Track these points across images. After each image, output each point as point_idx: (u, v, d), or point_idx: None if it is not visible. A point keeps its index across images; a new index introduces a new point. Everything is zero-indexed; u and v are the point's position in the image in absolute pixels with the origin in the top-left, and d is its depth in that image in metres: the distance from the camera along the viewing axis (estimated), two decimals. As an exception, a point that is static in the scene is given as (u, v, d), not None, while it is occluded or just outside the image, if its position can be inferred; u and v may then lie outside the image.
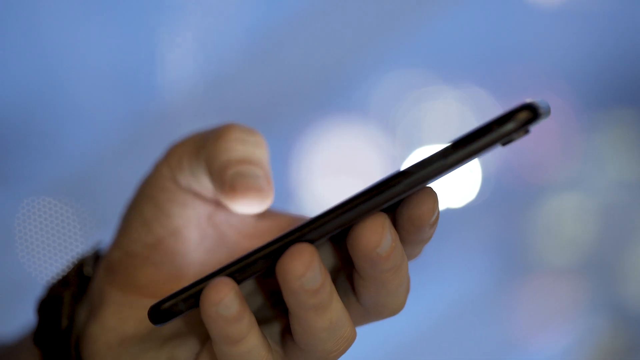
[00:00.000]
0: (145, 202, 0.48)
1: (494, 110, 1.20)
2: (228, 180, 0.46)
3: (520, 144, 1.20)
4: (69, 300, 0.49)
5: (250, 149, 0.47)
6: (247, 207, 0.46)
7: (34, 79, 1.12)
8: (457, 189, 1.20)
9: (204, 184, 0.48)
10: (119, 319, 0.48)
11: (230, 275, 0.43)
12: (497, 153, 1.21)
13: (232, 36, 1.15)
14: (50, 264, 1.12)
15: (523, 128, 0.39)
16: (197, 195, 0.48)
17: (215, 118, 1.16)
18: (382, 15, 1.18)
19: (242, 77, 1.17)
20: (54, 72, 1.12)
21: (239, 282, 0.43)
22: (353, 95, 1.20)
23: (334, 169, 1.20)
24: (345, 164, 1.20)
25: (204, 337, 0.47)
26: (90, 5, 1.11)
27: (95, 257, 0.52)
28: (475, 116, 1.20)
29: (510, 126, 0.39)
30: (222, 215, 0.49)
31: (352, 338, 0.44)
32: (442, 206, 1.20)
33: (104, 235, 1.08)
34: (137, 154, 1.14)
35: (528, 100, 0.40)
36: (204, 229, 0.48)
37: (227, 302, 0.41)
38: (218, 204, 0.49)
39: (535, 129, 1.18)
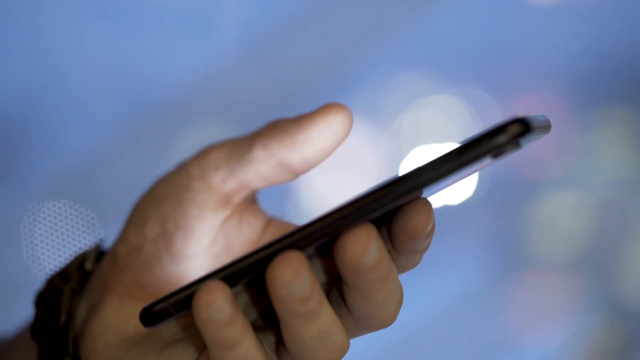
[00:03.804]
0: (165, 199, 0.48)
1: (492, 108, 1.21)
2: (310, 113, 0.47)
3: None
4: (69, 295, 0.49)
5: None
6: (338, 123, 0.46)
7: (34, 76, 1.12)
8: (454, 185, 1.20)
9: (243, 175, 0.47)
10: (120, 317, 0.47)
11: (221, 280, 0.43)
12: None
13: (231, 32, 1.16)
14: (51, 260, 1.13)
15: (514, 141, 0.39)
16: (220, 198, 0.48)
17: (215, 115, 1.17)
18: (381, 14, 1.19)
19: (241, 74, 1.17)
20: (54, 69, 1.12)
21: (229, 286, 0.43)
22: (351, 94, 1.20)
23: (332, 167, 1.20)
24: (343, 163, 1.20)
25: (204, 344, 0.46)
26: (89, 3, 1.12)
27: (97, 253, 0.52)
28: (473, 114, 1.20)
29: (501, 139, 0.39)
30: (234, 223, 0.48)
31: (344, 348, 0.44)
32: (439, 203, 1.20)
33: (104, 232, 1.09)
34: (137, 150, 1.14)
35: (521, 113, 0.39)
36: (216, 234, 0.48)
37: (218, 304, 0.41)
38: (234, 211, 0.49)
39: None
